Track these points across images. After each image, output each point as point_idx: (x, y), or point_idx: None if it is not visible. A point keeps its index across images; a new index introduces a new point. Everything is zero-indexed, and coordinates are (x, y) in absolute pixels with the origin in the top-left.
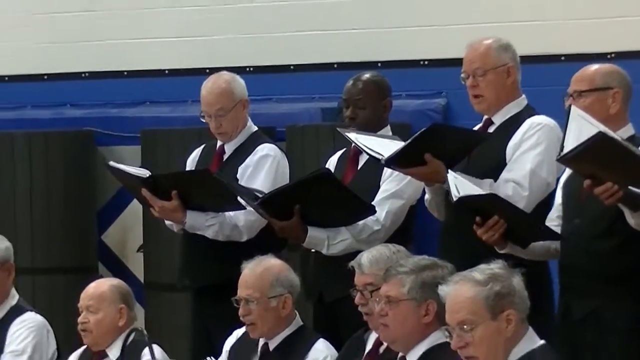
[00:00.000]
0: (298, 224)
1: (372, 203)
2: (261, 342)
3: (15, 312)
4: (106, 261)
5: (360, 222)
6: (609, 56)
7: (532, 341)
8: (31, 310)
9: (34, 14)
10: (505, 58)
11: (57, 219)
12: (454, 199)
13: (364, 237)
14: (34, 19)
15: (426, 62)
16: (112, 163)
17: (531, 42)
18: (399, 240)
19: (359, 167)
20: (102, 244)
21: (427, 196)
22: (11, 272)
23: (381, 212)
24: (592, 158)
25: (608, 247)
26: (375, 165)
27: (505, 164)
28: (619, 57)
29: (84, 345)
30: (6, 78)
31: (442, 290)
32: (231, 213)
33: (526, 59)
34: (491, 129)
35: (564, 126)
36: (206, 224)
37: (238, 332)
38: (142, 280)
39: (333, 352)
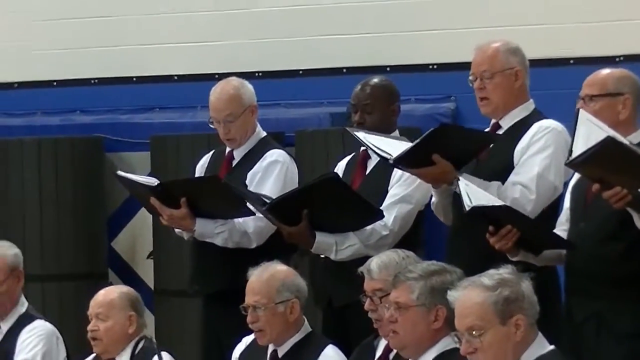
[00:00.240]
0: (306, 229)
1: (381, 208)
2: (270, 348)
3: (25, 319)
4: (116, 268)
5: (369, 227)
6: (617, 59)
7: (542, 346)
8: (41, 318)
9: (43, 20)
10: (513, 61)
11: (67, 226)
12: (467, 209)
13: (372, 242)
14: (43, 26)
15: (435, 66)
16: (120, 172)
17: (540, 45)
18: (408, 245)
19: (367, 172)
20: (112, 251)
21: (433, 199)
22: (20, 279)
23: (389, 217)
24: (601, 162)
25: (613, 251)
26: (384, 169)
27: (512, 167)
28: (628, 60)
29: (93, 353)
30: (16, 85)
31: (451, 295)
32: (240, 220)
33: (535, 63)
34: (499, 133)
35: (572, 130)
36: (215, 231)
37: (247, 339)
38: (152, 287)
39: (343, 358)
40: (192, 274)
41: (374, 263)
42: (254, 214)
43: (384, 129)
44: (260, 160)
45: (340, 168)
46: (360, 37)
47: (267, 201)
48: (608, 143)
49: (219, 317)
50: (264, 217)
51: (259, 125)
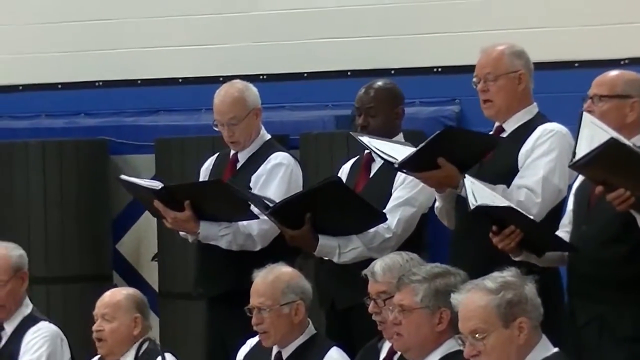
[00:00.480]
0: (309, 232)
1: (384, 211)
2: (274, 350)
3: (29, 321)
4: (121, 270)
5: (372, 230)
6: (622, 62)
7: (546, 349)
8: (45, 320)
9: (47, 23)
10: (517, 64)
11: (72, 228)
12: (471, 207)
13: (375, 245)
14: (48, 28)
15: (439, 69)
16: (123, 177)
17: (545, 48)
18: (412, 248)
19: (371, 175)
20: (117, 253)
21: (437, 204)
22: (25, 280)
23: (393, 220)
24: (604, 164)
25: (615, 254)
26: (388, 173)
27: (517, 171)
28: (633, 63)
29: (97, 355)
30: (20, 87)
31: (454, 298)
32: (245, 222)
33: (540, 65)
34: (503, 136)
35: (576, 132)
36: (220, 234)
37: (251, 342)
38: (157, 289)
39: None
40: (197, 276)
41: (378, 266)
42: (257, 217)
43: (387, 132)
44: (265, 162)
45: (344, 171)
46: (364, 40)
47: (270, 205)
48: (611, 145)
49: (224, 319)
50: (268, 220)
51: (263, 128)
